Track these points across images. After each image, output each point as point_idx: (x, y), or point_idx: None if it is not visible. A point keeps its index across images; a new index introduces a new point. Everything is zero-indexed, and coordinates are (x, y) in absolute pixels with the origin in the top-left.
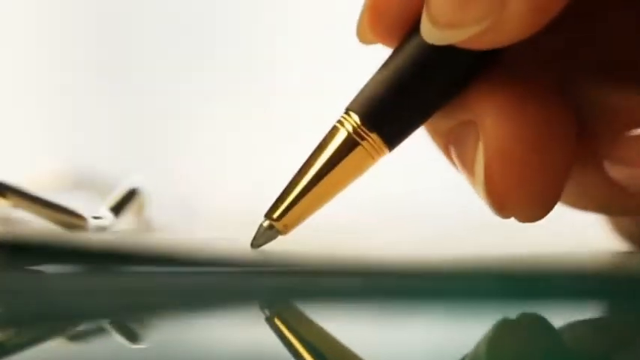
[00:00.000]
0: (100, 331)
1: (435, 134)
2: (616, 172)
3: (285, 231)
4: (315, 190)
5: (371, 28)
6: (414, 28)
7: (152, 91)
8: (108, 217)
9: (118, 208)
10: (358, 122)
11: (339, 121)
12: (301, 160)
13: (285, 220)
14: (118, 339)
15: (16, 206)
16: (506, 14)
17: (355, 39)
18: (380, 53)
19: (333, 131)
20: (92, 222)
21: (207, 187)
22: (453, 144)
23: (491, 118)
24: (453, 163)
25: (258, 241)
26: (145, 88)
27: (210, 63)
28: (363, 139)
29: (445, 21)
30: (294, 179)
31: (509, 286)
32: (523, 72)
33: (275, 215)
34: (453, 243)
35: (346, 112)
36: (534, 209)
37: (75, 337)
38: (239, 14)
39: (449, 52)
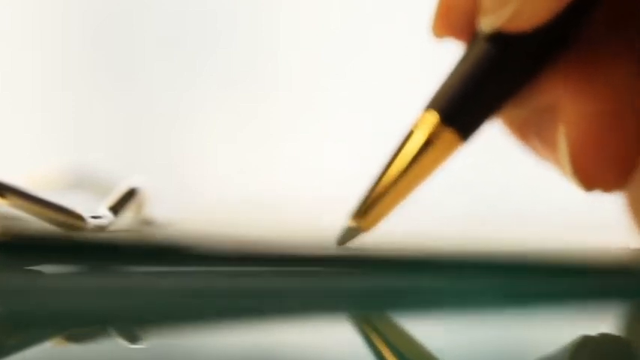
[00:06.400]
0: (100, 331)
1: (511, 125)
2: None
3: (368, 228)
4: (396, 187)
5: (443, 24)
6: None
7: (152, 90)
8: (107, 217)
9: (117, 208)
10: (436, 119)
11: (419, 120)
12: (302, 160)
13: (368, 218)
14: (118, 339)
15: (15, 206)
16: None
17: (354, 40)
18: (378, 55)
19: (413, 130)
20: (91, 222)
21: (208, 186)
22: (532, 131)
23: (567, 98)
24: (533, 151)
25: (343, 239)
26: (145, 87)
27: (210, 62)
28: (440, 134)
29: (487, 8)
30: (377, 178)
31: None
32: (595, 51)
33: (359, 214)
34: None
35: (425, 111)
36: (618, 180)
37: (75, 337)
38: (241, 14)
39: (510, 42)
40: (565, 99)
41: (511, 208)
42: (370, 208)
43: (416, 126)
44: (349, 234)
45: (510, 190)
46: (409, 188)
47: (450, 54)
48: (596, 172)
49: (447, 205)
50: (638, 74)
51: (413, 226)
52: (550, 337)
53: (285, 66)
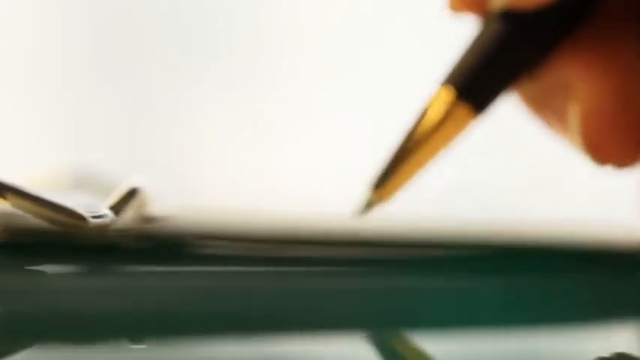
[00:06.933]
0: (100, 331)
1: (526, 99)
2: None
3: (385, 199)
4: (413, 158)
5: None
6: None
7: (152, 90)
8: (108, 217)
9: (118, 208)
10: (452, 93)
11: (435, 94)
12: (302, 160)
13: (386, 189)
14: (118, 339)
15: (16, 206)
16: None
17: (355, 40)
18: (379, 55)
19: (430, 103)
20: (92, 222)
21: (208, 186)
22: (546, 106)
23: (578, 75)
24: (547, 125)
25: (363, 209)
26: (145, 87)
27: (210, 62)
28: (455, 108)
29: None
30: (395, 150)
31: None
32: (607, 28)
33: (377, 185)
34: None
35: (441, 85)
36: (631, 156)
37: (75, 338)
38: (241, 14)
39: (522, 18)
40: (577, 75)
41: (517, 207)
42: (388, 179)
43: (432, 99)
44: (368, 205)
45: (515, 189)
46: (425, 160)
47: (450, 55)
48: (608, 147)
49: (455, 200)
50: None
51: (419, 220)
52: (557, 343)
53: (285, 66)
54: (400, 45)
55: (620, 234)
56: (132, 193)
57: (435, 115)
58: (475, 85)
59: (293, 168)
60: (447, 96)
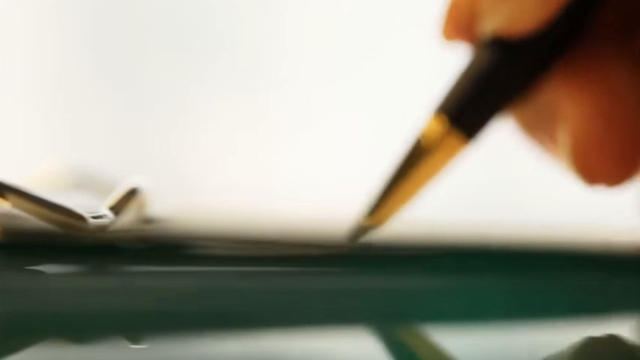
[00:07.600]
0: (101, 331)
1: (519, 122)
2: None
3: (380, 225)
4: (406, 186)
5: (452, 28)
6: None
7: (153, 90)
8: (108, 217)
9: (118, 208)
10: (444, 121)
11: (427, 122)
12: (302, 160)
13: (378, 216)
14: (118, 339)
15: (15, 206)
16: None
17: (357, 41)
18: (381, 56)
19: (422, 132)
20: (92, 222)
21: (209, 186)
22: (538, 128)
23: (568, 98)
24: (540, 147)
25: (354, 236)
26: (145, 87)
27: (212, 62)
28: (447, 136)
29: (483, 12)
30: (387, 178)
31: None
32: (596, 52)
33: (370, 213)
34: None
35: (433, 113)
36: (620, 175)
37: (75, 337)
38: (243, 13)
39: (510, 45)
40: (566, 97)
41: (519, 209)
42: (381, 206)
43: (424, 128)
44: (360, 231)
45: (518, 191)
46: (418, 187)
47: (451, 56)
48: (597, 168)
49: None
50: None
51: (421, 222)
52: (559, 339)
53: (286, 66)
54: (400, 45)
55: (621, 236)
56: (132, 193)
57: (427, 143)
58: (466, 112)
59: (293, 168)
60: (439, 124)
